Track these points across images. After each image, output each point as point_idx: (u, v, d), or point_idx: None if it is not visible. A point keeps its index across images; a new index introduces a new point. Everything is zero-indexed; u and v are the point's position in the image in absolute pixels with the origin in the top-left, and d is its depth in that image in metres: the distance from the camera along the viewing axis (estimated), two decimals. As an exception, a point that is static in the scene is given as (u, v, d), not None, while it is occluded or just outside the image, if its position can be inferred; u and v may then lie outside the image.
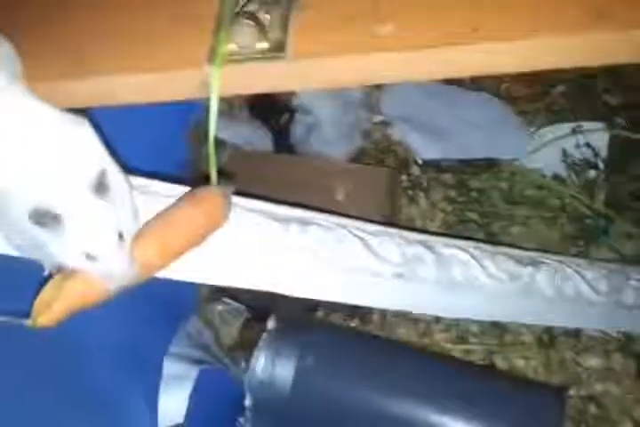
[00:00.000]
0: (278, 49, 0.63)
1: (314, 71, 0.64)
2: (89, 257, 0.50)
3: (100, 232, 0.50)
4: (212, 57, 0.63)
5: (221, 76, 0.63)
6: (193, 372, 1.00)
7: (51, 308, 0.52)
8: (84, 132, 0.51)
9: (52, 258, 0.53)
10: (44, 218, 0.48)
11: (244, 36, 0.63)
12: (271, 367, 0.93)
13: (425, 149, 1.16)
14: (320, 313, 1.07)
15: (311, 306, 1.06)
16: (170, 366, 1.01)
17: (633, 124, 1.18)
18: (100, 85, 0.66)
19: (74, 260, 0.51)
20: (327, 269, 0.76)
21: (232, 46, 0.63)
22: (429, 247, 0.85)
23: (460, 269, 0.87)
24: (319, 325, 1.04)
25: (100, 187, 0.49)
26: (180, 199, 0.62)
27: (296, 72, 0.64)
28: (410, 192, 1.15)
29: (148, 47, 0.66)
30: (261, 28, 0.63)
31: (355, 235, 0.79)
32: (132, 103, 0.68)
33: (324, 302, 0.85)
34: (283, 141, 1.11)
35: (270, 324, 0.97)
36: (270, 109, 1.12)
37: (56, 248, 0.50)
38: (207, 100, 0.62)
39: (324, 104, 1.08)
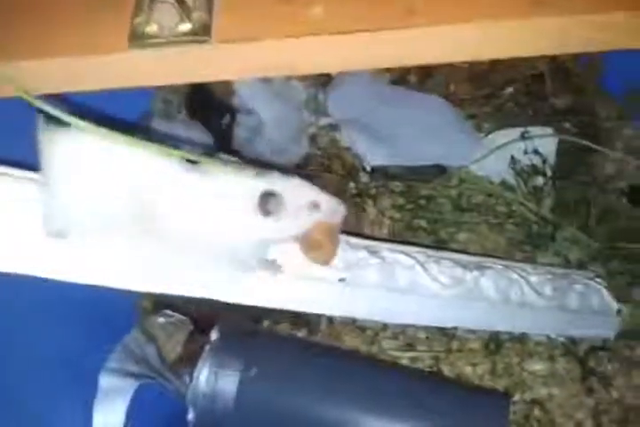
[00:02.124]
0: (203, 31, 0.62)
1: (241, 56, 0.64)
2: (314, 206, 0.74)
3: (311, 186, 0.75)
4: (131, 40, 0.63)
5: (141, 62, 0.64)
6: (130, 387, 1.03)
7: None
8: None
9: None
10: (270, 203, 0.70)
11: (165, 17, 0.63)
12: (214, 380, 0.97)
13: (373, 155, 1.24)
14: (266, 323, 1.13)
15: (257, 316, 1.12)
16: (105, 382, 1.04)
17: (580, 130, 1.28)
18: (14, 71, 0.65)
19: (305, 218, 0.74)
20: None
21: (152, 28, 0.63)
22: (373, 252, 0.93)
23: (404, 273, 0.95)
24: (264, 335, 1.11)
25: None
26: None
27: (222, 57, 0.64)
28: (357, 200, 1.24)
29: (63, 32, 0.66)
30: (184, 8, 0.62)
31: (298, 240, 0.87)
32: (51, 91, 0.68)
33: (270, 311, 0.92)
34: (225, 145, 1.17)
35: (213, 335, 1.02)
36: (210, 109, 1.18)
37: (284, 223, 0.73)
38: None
39: (266, 104, 1.15)
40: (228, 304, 0.86)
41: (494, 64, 1.34)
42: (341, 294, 0.90)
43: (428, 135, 1.25)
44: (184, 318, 1.15)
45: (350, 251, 0.92)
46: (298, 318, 1.10)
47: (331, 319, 1.14)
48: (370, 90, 1.28)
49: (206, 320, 1.09)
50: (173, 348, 1.14)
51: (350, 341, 1.14)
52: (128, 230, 0.70)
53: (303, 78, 1.20)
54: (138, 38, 0.63)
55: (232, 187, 0.71)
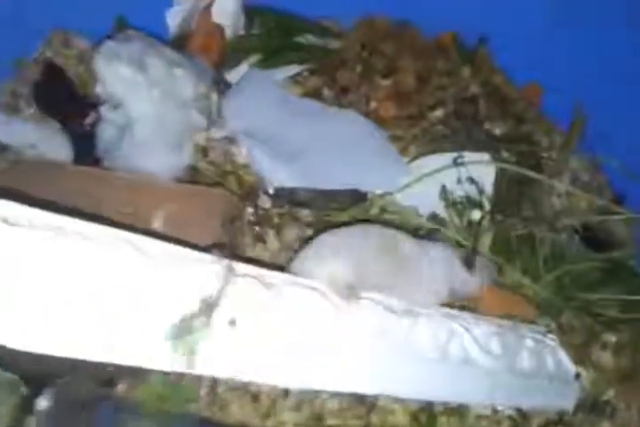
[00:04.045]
0: None
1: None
2: None
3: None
4: None
5: None
6: None
7: None
8: None
9: None
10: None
11: None
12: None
13: (277, 175, 0.97)
14: (120, 387, 0.80)
15: (108, 376, 0.80)
16: None
17: (520, 159, 1.06)
18: None
19: None
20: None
21: None
22: (268, 285, 0.64)
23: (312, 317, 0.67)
24: (115, 404, 0.78)
25: None
26: None
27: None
28: (256, 229, 0.95)
29: None
30: None
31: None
32: None
33: (126, 370, 0.62)
34: (86, 148, 0.87)
35: (42, 403, 0.73)
36: (70, 105, 0.89)
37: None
38: None
39: (139, 96, 0.85)
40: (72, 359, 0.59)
41: (421, 83, 1.11)
42: (225, 343, 0.61)
43: (344, 155, 0.99)
44: (16, 377, 0.82)
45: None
46: (165, 381, 0.78)
47: (214, 383, 0.83)
48: (276, 99, 1.02)
49: (45, 381, 0.77)
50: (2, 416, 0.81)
51: (239, 412, 0.83)
52: None
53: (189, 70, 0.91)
54: None
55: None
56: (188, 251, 0.62)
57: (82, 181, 0.79)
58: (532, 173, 1.01)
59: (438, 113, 1.09)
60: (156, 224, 0.77)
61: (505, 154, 1.06)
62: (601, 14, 1.05)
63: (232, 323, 0.60)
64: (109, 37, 0.87)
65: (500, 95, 1.13)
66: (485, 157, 1.03)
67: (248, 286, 0.62)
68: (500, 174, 1.03)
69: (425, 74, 1.12)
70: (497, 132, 1.09)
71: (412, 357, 0.73)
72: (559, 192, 1.04)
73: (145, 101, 0.86)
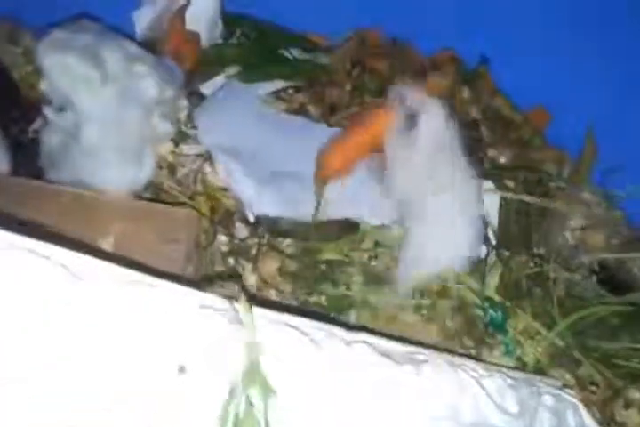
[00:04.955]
0: None
1: None
2: None
3: None
4: None
5: None
6: None
7: None
8: None
9: None
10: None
11: None
12: None
13: (259, 200, 0.84)
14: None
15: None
16: None
17: (527, 189, 0.95)
18: None
19: None
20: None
21: None
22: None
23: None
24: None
25: None
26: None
27: None
28: (231, 260, 0.83)
29: None
30: None
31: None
32: None
33: None
34: (28, 158, 0.74)
35: None
36: (8, 107, 0.76)
37: None
38: None
39: (89, 93, 0.71)
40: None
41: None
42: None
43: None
44: None
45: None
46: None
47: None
48: (258, 115, 0.91)
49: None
50: None
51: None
52: None
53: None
54: None
55: None
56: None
57: (20, 195, 0.66)
58: (539, 202, 0.91)
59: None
60: (105, 245, 0.63)
61: (510, 183, 0.96)
62: (608, 33, 0.97)
63: (182, 370, 0.46)
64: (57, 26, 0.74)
65: (503, 120, 1.03)
66: (488, 185, 0.93)
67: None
68: (506, 205, 0.93)
69: (422, 94, 1.02)
70: (501, 159, 0.99)
71: (415, 415, 0.59)
72: (572, 226, 0.93)
73: (97, 100, 0.73)
